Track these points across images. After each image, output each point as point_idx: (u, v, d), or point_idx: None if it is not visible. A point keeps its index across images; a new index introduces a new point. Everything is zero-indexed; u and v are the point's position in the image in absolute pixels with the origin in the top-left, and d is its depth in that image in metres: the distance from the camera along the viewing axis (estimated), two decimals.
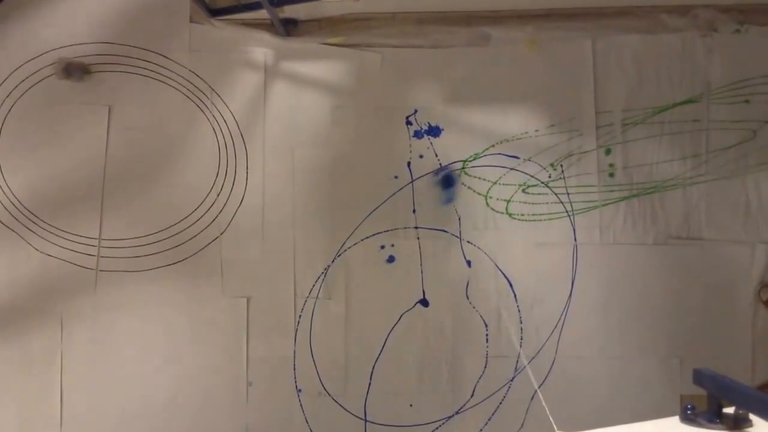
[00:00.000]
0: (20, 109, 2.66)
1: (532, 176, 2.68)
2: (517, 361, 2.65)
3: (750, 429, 1.19)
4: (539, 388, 2.62)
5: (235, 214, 2.67)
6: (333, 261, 2.68)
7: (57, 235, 2.65)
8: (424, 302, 2.68)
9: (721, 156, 2.64)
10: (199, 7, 2.61)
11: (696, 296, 2.63)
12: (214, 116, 2.70)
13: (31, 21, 2.67)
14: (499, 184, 2.68)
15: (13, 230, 2.65)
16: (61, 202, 2.65)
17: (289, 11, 2.64)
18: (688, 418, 1.23)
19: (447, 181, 2.58)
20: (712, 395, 1.23)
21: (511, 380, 2.65)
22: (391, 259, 2.69)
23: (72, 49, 2.66)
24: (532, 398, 2.63)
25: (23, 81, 2.65)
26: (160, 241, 2.66)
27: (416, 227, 2.69)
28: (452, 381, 2.66)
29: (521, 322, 2.66)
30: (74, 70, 2.61)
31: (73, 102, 2.66)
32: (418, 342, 2.67)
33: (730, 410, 1.21)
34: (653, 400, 2.59)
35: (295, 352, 2.66)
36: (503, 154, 2.68)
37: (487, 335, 2.66)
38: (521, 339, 2.65)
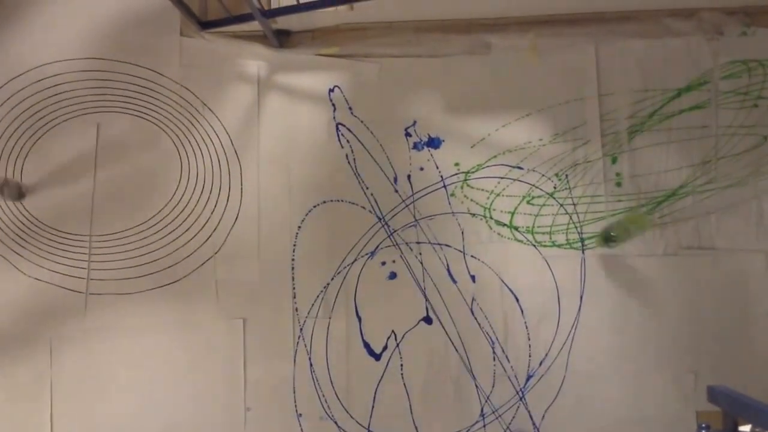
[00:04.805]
0: (6, 128, 2.62)
1: (536, 187, 2.61)
2: (527, 379, 2.56)
3: None
4: (549, 407, 2.54)
5: (229, 232, 2.62)
6: (332, 279, 2.61)
7: (46, 258, 2.59)
8: (428, 320, 2.60)
9: (731, 162, 2.58)
10: (190, 19, 2.57)
11: (709, 308, 2.55)
12: (207, 132, 2.65)
13: (16, 36, 2.65)
14: (503, 195, 2.62)
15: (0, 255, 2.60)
16: (49, 223, 2.60)
17: (281, 22, 2.61)
18: None
19: None
20: (727, 413, 1.17)
21: (521, 398, 2.56)
22: (392, 276, 2.61)
23: (60, 65, 2.63)
24: (543, 417, 2.55)
25: (8, 99, 2.62)
26: (152, 261, 2.60)
27: (418, 242, 2.62)
28: (459, 400, 2.58)
29: (529, 339, 2.58)
30: (10, 189, 2.52)
31: (60, 120, 2.62)
32: (422, 361, 2.59)
33: (746, 428, 1.15)
34: (667, 417, 2.50)
35: (294, 374, 2.58)
36: (506, 165, 2.62)
37: (494, 352, 2.58)
38: (529, 356, 2.57)
